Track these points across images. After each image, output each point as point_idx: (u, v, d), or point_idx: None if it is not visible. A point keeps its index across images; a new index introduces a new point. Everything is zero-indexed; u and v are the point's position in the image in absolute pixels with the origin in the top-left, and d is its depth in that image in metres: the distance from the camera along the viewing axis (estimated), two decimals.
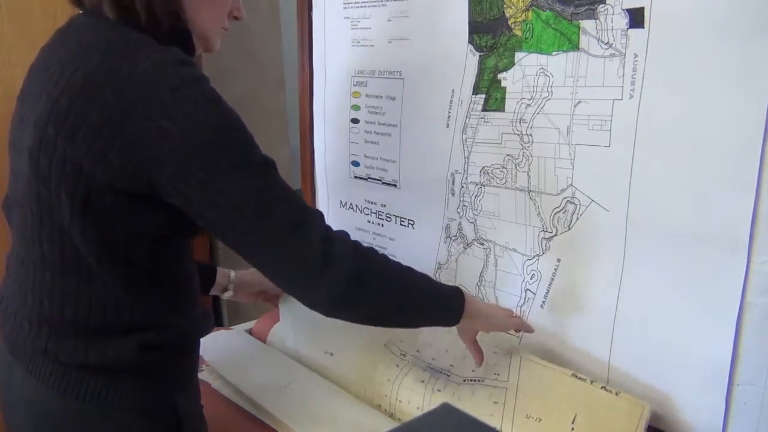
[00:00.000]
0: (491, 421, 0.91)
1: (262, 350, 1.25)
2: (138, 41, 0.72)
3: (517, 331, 0.99)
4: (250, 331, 1.33)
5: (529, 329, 0.98)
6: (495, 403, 0.94)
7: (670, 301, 0.88)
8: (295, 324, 1.22)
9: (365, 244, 0.82)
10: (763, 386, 0.82)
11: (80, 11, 0.81)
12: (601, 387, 0.88)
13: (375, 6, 1.22)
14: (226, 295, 1.12)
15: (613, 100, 0.89)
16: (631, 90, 0.87)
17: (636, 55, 0.86)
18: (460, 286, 0.90)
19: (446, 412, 0.64)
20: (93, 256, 0.74)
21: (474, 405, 0.95)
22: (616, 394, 0.86)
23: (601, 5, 0.88)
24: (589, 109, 0.92)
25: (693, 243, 0.84)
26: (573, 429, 0.86)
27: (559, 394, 0.91)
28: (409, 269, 0.85)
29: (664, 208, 0.86)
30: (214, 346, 1.19)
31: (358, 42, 1.26)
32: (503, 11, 1.00)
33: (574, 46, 0.92)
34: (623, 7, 0.86)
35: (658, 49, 0.84)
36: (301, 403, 1.06)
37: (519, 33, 0.99)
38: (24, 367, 0.78)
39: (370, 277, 0.79)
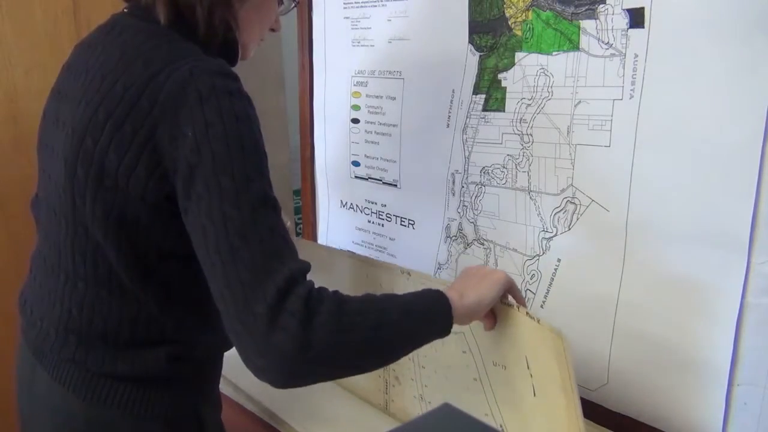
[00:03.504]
0: (467, 373, 0.87)
1: None
2: (183, 50, 0.70)
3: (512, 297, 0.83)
4: None
5: (522, 301, 0.83)
6: (464, 352, 0.89)
7: (670, 301, 0.88)
8: None
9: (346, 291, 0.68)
10: (763, 386, 0.82)
11: (125, 8, 0.78)
12: (526, 313, 0.79)
13: (375, 6, 1.22)
14: None
15: (614, 100, 0.89)
16: (631, 90, 0.87)
17: (636, 55, 0.86)
18: (442, 290, 0.76)
19: (446, 412, 0.64)
20: (126, 272, 0.73)
21: (446, 354, 0.86)
22: (538, 321, 0.78)
23: (601, 5, 0.88)
24: (589, 109, 0.92)
25: (693, 243, 0.84)
26: (531, 375, 0.79)
27: (506, 333, 0.82)
28: (385, 307, 0.70)
29: (665, 208, 0.86)
30: None
31: (358, 42, 1.27)
32: (503, 11, 1.00)
33: (575, 46, 0.92)
34: (623, 7, 0.86)
35: (658, 49, 0.84)
36: (301, 402, 1.06)
37: (519, 33, 0.99)
38: (49, 372, 0.77)
39: (326, 337, 0.63)
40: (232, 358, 1.18)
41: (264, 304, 0.62)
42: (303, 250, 1.09)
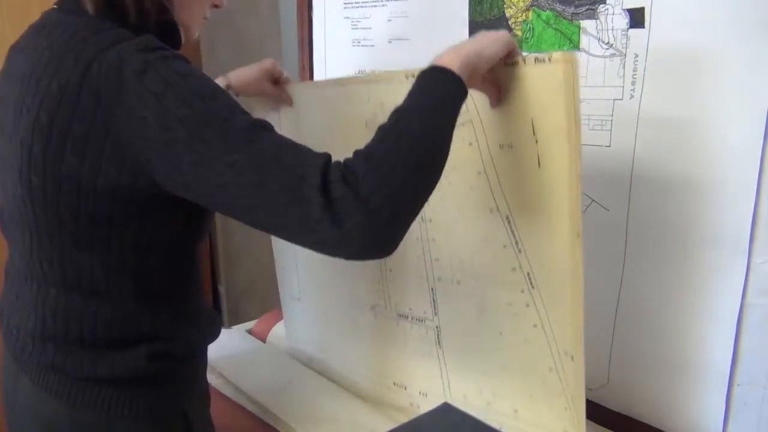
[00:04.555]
0: (472, 168, 0.84)
1: (262, 350, 1.26)
2: (112, 37, 0.68)
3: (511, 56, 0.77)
4: (250, 331, 1.33)
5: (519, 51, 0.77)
6: (470, 144, 0.85)
7: (671, 301, 0.88)
8: (296, 323, 1.22)
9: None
10: (763, 386, 0.82)
11: (55, 3, 0.77)
12: (534, 60, 0.73)
13: (375, 6, 1.22)
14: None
15: (614, 100, 0.89)
16: (631, 90, 0.87)
17: (636, 55, 0.86)
18: (441, 66, 0.71)
19: (446, 412, 0.64)
20: (101, 272, 0.72)
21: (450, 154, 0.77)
22: (549, 59, 0.72)
23: (601, 5, 0.89)
24: (589, 109, 0.92)
25: (693, 243, 0.84)
26: (537, 141, 0.76)
27: (512, 100, 0.78)
28: (402, 128, 0.68)
29: (665, 208, 0.86)
30: (214, 345, 1.18)
31: (359, 42, 1.27)
32: (503, 11, 1.00)
33: (575, 46, 0.92)
34: (623, 7, 0.86)
35: (658, 49, 0.84)
36: (301, 402, 1.06)
37: (519, 33, 0.99)
38: (31, 379, 0.77)
39: (382, 194, 0.63)
40: (230, 358, 1.18)
41: (317, 207, 0.62)
42: (300, 92, 1.09)
